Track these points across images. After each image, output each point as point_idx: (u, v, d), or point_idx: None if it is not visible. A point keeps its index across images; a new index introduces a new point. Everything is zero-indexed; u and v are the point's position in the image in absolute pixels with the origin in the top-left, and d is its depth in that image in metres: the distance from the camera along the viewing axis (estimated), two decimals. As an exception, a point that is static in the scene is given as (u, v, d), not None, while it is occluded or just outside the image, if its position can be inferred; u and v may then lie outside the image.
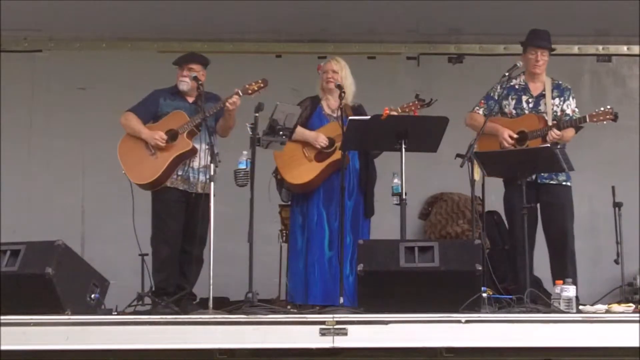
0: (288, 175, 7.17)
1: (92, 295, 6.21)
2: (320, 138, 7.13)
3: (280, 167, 7.19)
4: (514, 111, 7.26)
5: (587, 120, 6.98)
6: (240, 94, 7.00)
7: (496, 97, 7.25)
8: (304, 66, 8.80)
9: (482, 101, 7.31)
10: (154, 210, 7.09)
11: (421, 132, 6.73)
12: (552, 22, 7.76)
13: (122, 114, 7.08)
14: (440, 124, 6.71)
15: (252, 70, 8.72)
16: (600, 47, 9.23)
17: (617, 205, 7.93)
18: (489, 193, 7.21)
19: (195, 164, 7.07)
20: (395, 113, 6.93)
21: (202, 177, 7.04)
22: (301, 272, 7.12)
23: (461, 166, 6.72)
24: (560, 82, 7.32)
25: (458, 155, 6.81)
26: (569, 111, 7.20)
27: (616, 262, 7.78)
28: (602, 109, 6.96)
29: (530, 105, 7.24)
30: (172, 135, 7.01)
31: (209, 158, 6.58)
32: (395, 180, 6.83)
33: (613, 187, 7.95)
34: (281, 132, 6.80)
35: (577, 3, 8.14)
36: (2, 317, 5.67)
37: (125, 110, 7.11)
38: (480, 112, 7.27)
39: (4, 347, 5.61)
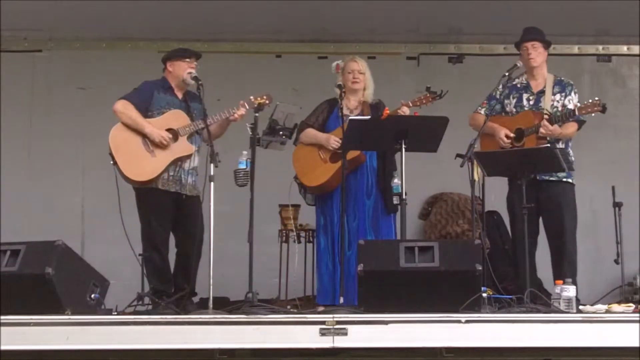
0: (305, 179, 7.20)
1: (92, 295, 6.21)
2: (331, 139, 7.11)
3: (298, 172, 7.22)
4: (514, 109, 7.25)
5: (577, 112, 6.96)
6: (247, 107, 6.97)
7: (498, 97, 7.25)
8: (304, 66, 8.81)
9: (485, 101, 7.32)
10: (142, 214, 6.98)
11: (421, 132, 6.72)
12: (552, 22, 7.77)
13: (117, 102, 6.94)
14: (440, 124, 6.71)
15: (252, 70, 8.76)
16: (600, 47, 9.23)
17: (617, 205, 7.92)
18: (489, 193, 7.21)
19: (186, 165, 7.02)
20: (406, 109, 6.97)
21: (190, 179, 7.03)
22: (325, 272, 7.11)
23: (461, 166, 6.73)
24: (562, 78, 7.30)
25: (458, 155, 6.81)
26: (570, 106, 7.12)
27: (616, 262, 7.77)
28: (590, 100, 6.95)
29: (531, 102, 7.23)
30: (173, 136, 6.97)
31: (209, 159, 6.52)
32: (395, 180, 6.84)
33: (613, 187, 7.94)
34: (281, 132, 6.82)
35: (577, 3, 8.13)
36: (2, 317, 5.67)
37: (120, 98, 6.97)
38: (482, 112, 7.27)
39: (4, 347, 5.61)
